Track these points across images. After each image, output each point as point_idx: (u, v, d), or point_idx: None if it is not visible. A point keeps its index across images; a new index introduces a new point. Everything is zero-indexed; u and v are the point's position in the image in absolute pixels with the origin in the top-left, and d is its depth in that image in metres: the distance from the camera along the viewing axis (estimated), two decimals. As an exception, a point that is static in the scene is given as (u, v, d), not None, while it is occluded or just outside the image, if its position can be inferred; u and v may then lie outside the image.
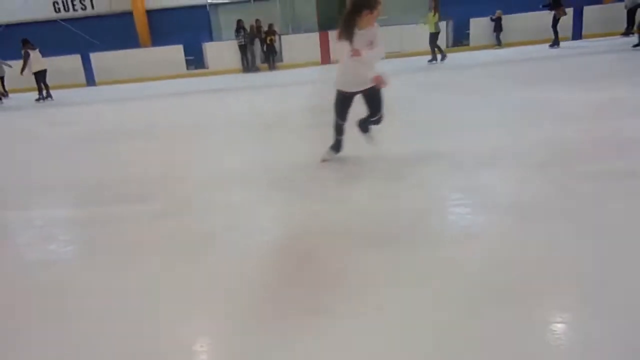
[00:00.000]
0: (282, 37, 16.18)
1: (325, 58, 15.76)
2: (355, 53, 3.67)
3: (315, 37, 15.83)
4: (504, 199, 3.09)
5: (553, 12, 13.10)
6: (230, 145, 5.59)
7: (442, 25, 15.24)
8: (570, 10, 14.26)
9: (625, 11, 12.57)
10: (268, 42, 15.66)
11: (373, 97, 3.98)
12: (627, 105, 5.47)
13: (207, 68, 16.55)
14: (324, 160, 4.27)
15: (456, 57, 13.08)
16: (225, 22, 17.13)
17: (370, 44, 3.75)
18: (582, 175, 3.39)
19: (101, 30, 17.63)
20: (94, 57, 16.76)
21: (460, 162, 3.92)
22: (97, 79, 16.77)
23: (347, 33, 3.71)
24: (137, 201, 3.72)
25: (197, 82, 14.42)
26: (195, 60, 16.83)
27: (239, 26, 15.55)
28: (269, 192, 3.66)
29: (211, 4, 17.29)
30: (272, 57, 15.92)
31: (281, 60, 16.14)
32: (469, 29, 15.54)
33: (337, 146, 4.28)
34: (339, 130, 4.18)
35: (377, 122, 4.14)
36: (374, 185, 3.60)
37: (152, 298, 2.24)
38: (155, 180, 4.31)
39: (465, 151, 4.26)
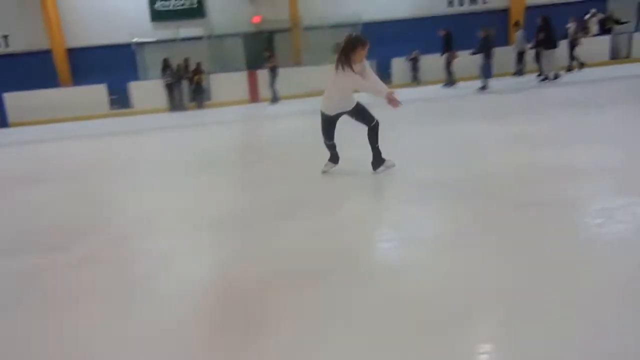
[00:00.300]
0: (211, 75, 16.15)
1: (254, 96, 15.86)
2: (390, 98, 4.35)
3: (243, 75, 15.93)
4: (429, 232, 3.19)
5: (445, 55, 13.90)
6: (155, 188, 5.40)
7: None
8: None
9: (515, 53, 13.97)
10: (196, 80, 15.57)
11: (359, 112, 4.57)
12: (536, 138, 5.89)
13: (133, 108, 16.12)
14: (324, 172, 4.83)
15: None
16: (152, 60, 16.86)
17: (362, 74, 4.41)
18: (500, 205, 3.58)
19: (18, 69, 16.77)
20: (9, 97, 15.85)
21: (386, 197, 4.03)
22: (10, 120, 15.81)
23: (348, 65, 4.34)
24: (56, 250, 3.49)
25: (121, 122, 13.99)
26: (120, 100, 16.36)
27: (166, 65, 15.38)
28: (196, 236, 3.56)
29: (137, 43, 17.01)
30: (200, 96, 15.82)
31: (209, 99, 16.05)
32: (390, 68, 16.30)
33: (334, 159, 4.86)
34: (330, 147, 4.79)
35: (376, 129, 4.57)
36: (306, 223, 3.60)
37: (71, 350, 2.09)
38: (73, 227, 4.06)
39: (390, 186, 4.38)
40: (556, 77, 12.24)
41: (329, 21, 16.50)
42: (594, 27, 16.34)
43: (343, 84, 4.42)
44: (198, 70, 15.59)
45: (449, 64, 13.92)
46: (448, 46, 13.78)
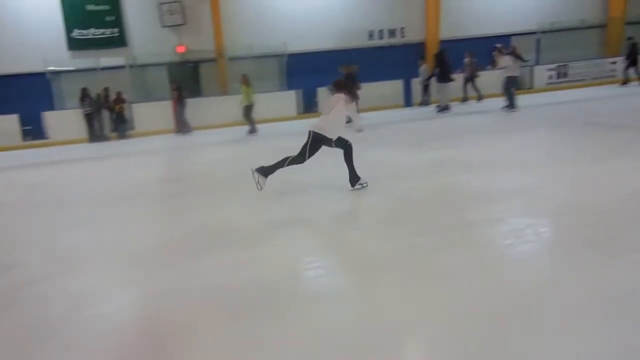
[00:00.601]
0: (133, 105, 15.69)
1: (179, 126, 15.58)
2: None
3: (167, 105, 15.63)
4: (354, 260, 3.30)
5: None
6: (73, 222, 5.15)
7: (290, 94, 16.17)
8: (399, 82, 16.28)
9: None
10: (117, 110, 15.07)
11: (340, 138, 5.17)
12: (454, 163, 6.27)
13: (48, 138, 15.26)
14: (260, 189, 5.18)
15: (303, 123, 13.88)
16: (69, 90, 16.12)
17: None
18: (422, 229, 3.78)
19: None
20: None
21: (306, 226, 4.12)
22: None
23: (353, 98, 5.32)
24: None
25: (36, 153, 13.19)
26: (34, 131, 15.43)
27: (84, 94, 14.78)
28: (114, 274, 3.44)
29: (52, 72, 16.23)
30: (121, 126, 15.31)
31: (132, 129, 15.55)
32: (316, 97, 16.67)
33: (270, 172, 5.19)
34: (285, 165, 5.15)
35: (350, 151, 5.13)
36: (230, 255, 3.59)
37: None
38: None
39: (312, 215, 4.49)
40: (446, 108, 13.13)
41: (254, 52, 16.69)
42: (502, 61, 17.72)
43: (343, 112, 5.26)
44: (119, 100, 15.12)
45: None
46: (350, 78, 14.32)
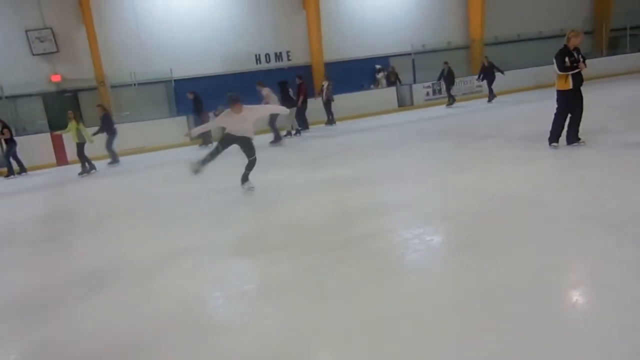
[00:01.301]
0: (4, 139, 14.30)
1: (61, 158, 14.51)
2: None
3: (46, 137, 14.50)
4: (253, 286, 3.33)
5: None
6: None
7: (181, 120, 15.77)
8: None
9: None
10: (-14, 146, 13.66)
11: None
12: (342, 181, 6.55)
13: None
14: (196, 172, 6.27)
15: (194, 150, 13.67)
16: None
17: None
18: (314, 248, 3.90)
19: None
20: None
21: (200, 255, 4.09)
22: None
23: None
24: None
25: None
26: None
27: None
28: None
29: None
30: (-8, 163, 13.88)
31: (5, 166, 14.17)
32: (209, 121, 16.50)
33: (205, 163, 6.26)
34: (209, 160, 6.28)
35: (252, 165, 6.25)
36: (121, 294, 3.44)
37: None
38: None
39: (202, 243, 4.46)
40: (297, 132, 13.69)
41: (138, 79, 16.13)
42: (383, 81, 18.89)
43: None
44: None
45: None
46: (198, 107, 14.45)
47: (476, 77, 17.49)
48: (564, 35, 6.52)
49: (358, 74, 18.74)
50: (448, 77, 16.70)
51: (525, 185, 5.04)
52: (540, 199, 4.50)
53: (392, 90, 18.42)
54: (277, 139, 12.27)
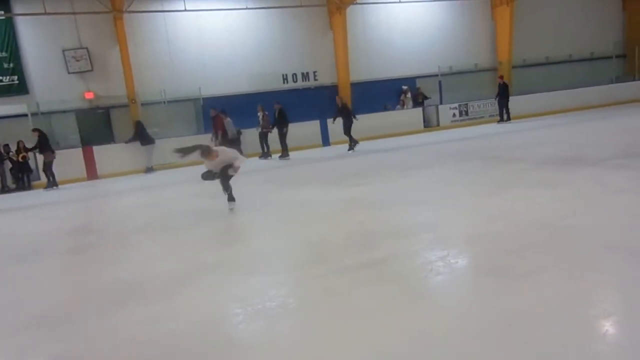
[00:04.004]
0: (39, 154, 14.76)
1: (92, 173, 14.90)
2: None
3: (78, 152, 14.93)
4: (275, 303, 3.32)
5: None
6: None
7: (208, 137, 15.99)
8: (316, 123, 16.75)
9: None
10: (20, 159, 14.12)
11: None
12: (368, 201, 6.53)
13: (-60, 192, 13.93)
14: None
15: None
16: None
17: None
18: (343, 269, 3.87)
19: None
20: None
21: (230, 270, 4.10)
22: None
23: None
24: None
25: None
26: None
27: (-19, 144, 13.77)
28: (15, 341, 3.19)
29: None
30: (26, 176, 14.35)
31: (39, 179, 14.61)
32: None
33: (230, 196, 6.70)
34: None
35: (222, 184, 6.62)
36: (147, 308, 3.48)
37: None
38: None
39: (233, 258, 4.47)
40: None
41: (168, 97, 16.52)
42: (409, 102, 18.90)
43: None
44: (21, 149, 14.20)
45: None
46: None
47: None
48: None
49: (384, 94, 18.82)
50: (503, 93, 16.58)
51: (552, 210, 4.93)
52: (568, 225, 4.39)
53: (419, 111, 18.42)
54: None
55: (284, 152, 14.24)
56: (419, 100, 18.93)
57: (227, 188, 6.65)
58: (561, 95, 18.79)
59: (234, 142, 13.81)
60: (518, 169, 7.58)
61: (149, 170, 14.80)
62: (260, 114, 14.65)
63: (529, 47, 20.32)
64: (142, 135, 14.84)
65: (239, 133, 15.28)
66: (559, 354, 2.29)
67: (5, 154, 14.19)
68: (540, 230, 4.31)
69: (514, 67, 20.06)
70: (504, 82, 16.81)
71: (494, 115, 18.24)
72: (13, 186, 14.40)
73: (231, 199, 6.69)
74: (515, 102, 17.26)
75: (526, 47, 20.26)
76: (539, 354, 2.32)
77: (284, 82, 18.44)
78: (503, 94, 16.76)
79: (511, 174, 7.34)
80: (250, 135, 15.47)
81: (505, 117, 16.89)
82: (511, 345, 2.43)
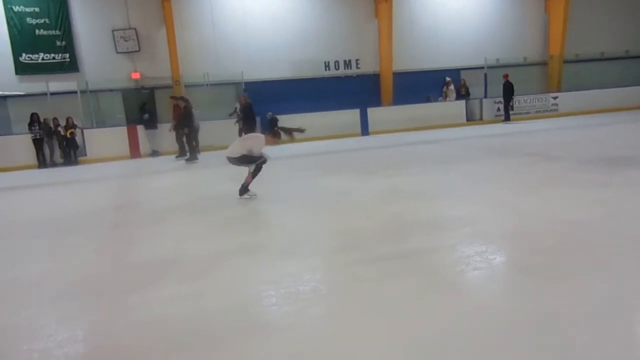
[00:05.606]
0: (86, 131, 15.30)
1: (135, 152, 15.31)
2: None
3: (122, 131, 15.36)
4: (307, 288, 3.32)
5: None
6: (11, 254, 4.90)
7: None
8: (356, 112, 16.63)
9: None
10: (68, 135, 14.65)
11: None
12: (405, 192, 6.44)
13: (-7, 164, 14.62)
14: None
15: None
16: (17, 115, 15.59)
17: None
18: (377, 258, 3.84)
19: None
20: None
21: (264, 253, 4.13)
22: None
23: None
24: None
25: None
26: (-22, 157, 14.74)
27: (33, 120, 14.32)
28: (55, 308, 3.33)
29: (-1, 96, 15.68)
30: (73, 151, 14.88)
31: (85, 155, 15.14)
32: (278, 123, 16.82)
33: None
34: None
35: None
36: (179, 286, 3.54)
37: None
38: None
39: (262, 241, 4.51)
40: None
41: (211, 79, 16.73)
42: (452, 94, 18.48)
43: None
44: (70, 125, 14.72)
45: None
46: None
47: (554, 95, 16.82)
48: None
49: (426, 85, 18.48)
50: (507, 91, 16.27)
51: (594, 211, 4.73)
52: (609, 227, 4.20)
53: (462, 103, 18.00)
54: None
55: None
56: (462, 92, 18.49)
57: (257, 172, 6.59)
58: (614, 93, 17.98)
59: (196, 131, 13.27)
60: (561, 167, 7.31)
61: (155, 153, 15.02)
62: (238, 105, 14.66)
63: (583, 41, 19.47)
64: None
65: (275, 119, 15.32)
66: (592, 358, 2.20)
67: (53, 128, 14.71)
68: (580, 232, 4.15)
69: (565, 61, 19.29)
70: (508, 81, 16.30)
71: (540, 111, 17.66)
72: (61, 161, 14.96)
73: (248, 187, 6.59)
74: (565, 98, 16.64)
75: (580, 40, 19.43)
76: (574, 354, 2.23)
77: (325, 69, 18.34)
78: (507, 93, 16.33)
79: (553, 171, 7.08)
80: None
81: (505, 117, 16.51)
82: (542, 345, 2.34)
